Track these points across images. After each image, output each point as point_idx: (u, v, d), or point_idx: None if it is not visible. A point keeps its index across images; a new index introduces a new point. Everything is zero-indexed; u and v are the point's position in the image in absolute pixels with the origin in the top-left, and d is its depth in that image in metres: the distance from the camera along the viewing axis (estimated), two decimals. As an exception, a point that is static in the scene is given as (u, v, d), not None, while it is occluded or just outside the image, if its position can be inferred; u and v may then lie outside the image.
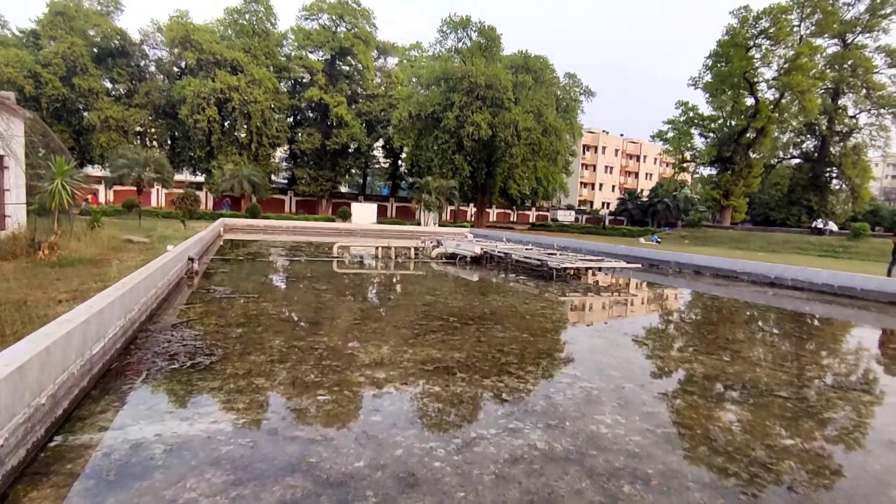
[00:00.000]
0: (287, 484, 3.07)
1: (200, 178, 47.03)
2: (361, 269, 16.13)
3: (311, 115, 50.90)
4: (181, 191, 30.23)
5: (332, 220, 40.84)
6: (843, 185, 49.34)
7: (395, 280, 13.90)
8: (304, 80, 49.31)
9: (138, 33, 44.39)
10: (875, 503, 3.24)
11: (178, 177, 44.69)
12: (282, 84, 48.37)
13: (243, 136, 43.83)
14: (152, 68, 46.34)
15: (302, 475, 3.18)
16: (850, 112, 47.25)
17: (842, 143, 48.06)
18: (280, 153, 54.90)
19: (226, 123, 43.47)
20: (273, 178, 51.33)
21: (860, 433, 4.52)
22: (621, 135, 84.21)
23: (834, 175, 49.22)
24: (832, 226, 40.90)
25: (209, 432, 3.72)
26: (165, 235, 17.33)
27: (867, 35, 43.91)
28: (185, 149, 44.12)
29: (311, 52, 48.89)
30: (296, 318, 7.94)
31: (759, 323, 10.21)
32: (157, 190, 42.46)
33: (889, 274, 16.10)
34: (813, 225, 41.97)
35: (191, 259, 11.70)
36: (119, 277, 6.92)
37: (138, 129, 43.12)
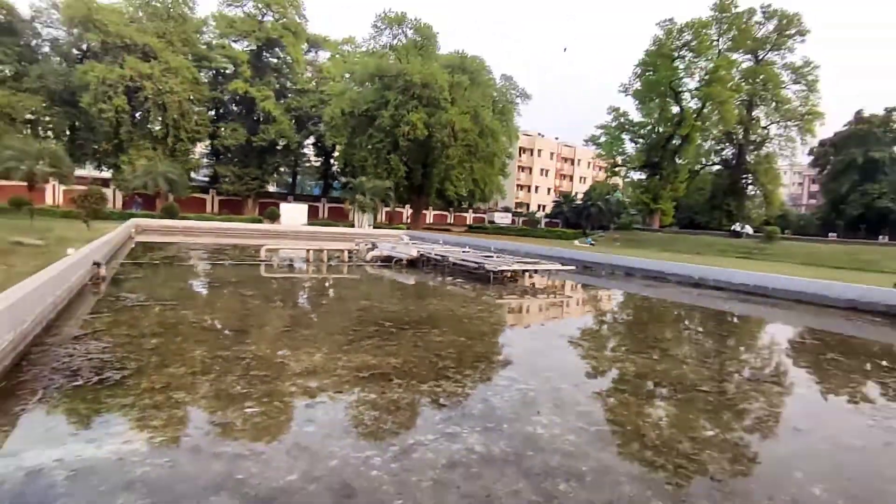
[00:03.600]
0: (211, 503, 2.94)
1: (107, 174, 43.69)
2: (291, 273, 15.68)
3: (235, 108, 48.82)
4: (83, 188, 27.91)
5: (259, 222, 39.31)
6: (758, 191, 54.24)
7: (326, 284, 13.64)
8: (228, 72, 47.23)
9: (29, 9, 40.53)
10: (783, 485, 3.60)
11: (79, 172, 41.22)
12: (202, 74, 45.98)
13: (158, 128, 41.16)
14: (46, 49, 42.43)
15: (228, 493, 3.06)
16: (763, 123, 52.04)
17: (756, 152, 52.79)
18: (201, 149, 52.11)
19: (137, 115, 40.66)
20: (193, 175, 48.71)
21: (770, 422, 4.99)
22: (556, 138, 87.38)
23: (749, 181, 53.96)
24: (748, 229, 44.71)
25: (121, 454, 3.49)
26: (65, 237, 15.96)
27: (775, 52, 48.63)
28: (88, 141, 40.81)
29: (234, 42, 46.94)
30: (220, 327, 7.60)
31: (685, 322, 10.99)
32: (54, 186, 38.96)
33: None
34: (732, 228, 45.67)
35: (97, 264, 10.86)
36: (5, 285, 6.30)
37: (29, 116, 39.25)
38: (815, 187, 77.69)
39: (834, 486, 3.62)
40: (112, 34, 38.56)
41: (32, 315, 5.84)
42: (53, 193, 40.64)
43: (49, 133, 41.29)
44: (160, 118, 40.51)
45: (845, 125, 55.33)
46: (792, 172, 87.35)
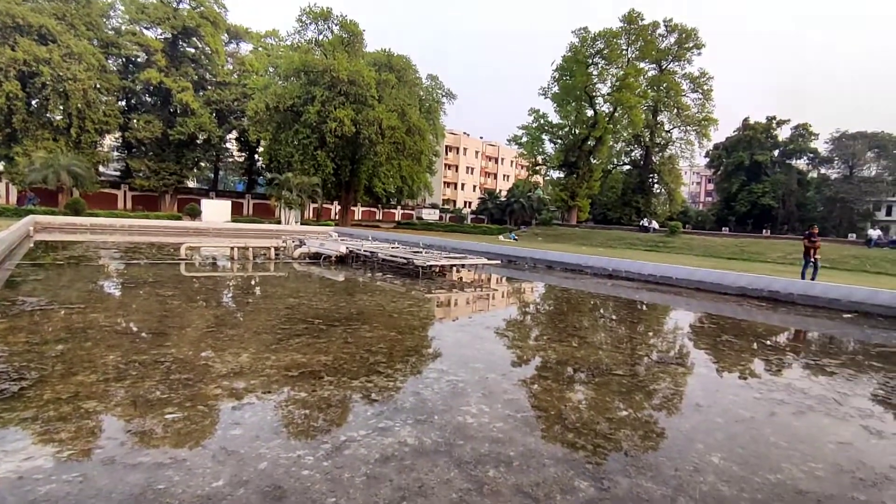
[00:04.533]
0: (129, 518, 2.73)
1: (-1, 167, 39.06)
2: (214, 271, 14.83)
3: (148, 99, 45.34)
4: (-29, 182, 24.73)
5: (179, 219, 36.82)
6: (662, 190, 58.39)
7: (253, 283, 13.04)
8: (139, 60, 43.76)
9: None
10: (687, 456, 3.91)
11: (-36, 164, 36.64)
12: (110, 62, 42.21)
13: (59, 118, 37.31)
14: (-78, 27, 37.16)
15: (148, 505, 2.85)
16: (666, 127, 56.09)
17: (661, 154, 56.78)
18: (110, 141, 47.80)
19: (33, 102, 36.61)
20: (102, 169, 44.64)
21: (675, 400, 5.40)
22: (481, 137, 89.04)
23: (655, 181, 57.97)
24: (655, 224, 47.97)
25: (21, 472, 3.14)
26: (-52, 237, 14.07)
27: (676, 63, 52.53)
28: (-26, 130, 36.28)
29: (146, 29, 43.50)
30: (136, 330, 7.03)
31: (601, 310, 11.61)
32: (-66, 180, 34.33)
33: (803, 276, 16.27)
34: (640, 223, 48.80)
35: (-13, 265, 9.68)
36: None
37: None
38: (710, 186, 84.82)
39: (729, 455, 3.98)
40: (1, 13, 34.37)
41: None
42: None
43: (-75, 120, 36.22)
44: (61, 107, 36.76)
45: (735, 131, 60.95)
46: (691, 172, 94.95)
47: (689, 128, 54.12)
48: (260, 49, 51.40)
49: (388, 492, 3.12)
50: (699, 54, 50.90)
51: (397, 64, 46.01)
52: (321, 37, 45.77)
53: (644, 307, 12.54)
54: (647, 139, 55.21)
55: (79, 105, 36.36)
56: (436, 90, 53.16)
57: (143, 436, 3.76)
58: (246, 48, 52.72)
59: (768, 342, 8.91)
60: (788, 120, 58.73)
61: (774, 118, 58.64)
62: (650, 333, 9.47)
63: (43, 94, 35.42)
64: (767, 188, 55.58)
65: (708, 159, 63.41)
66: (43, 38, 35.80)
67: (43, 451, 3.44)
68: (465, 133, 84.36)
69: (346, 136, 40.08)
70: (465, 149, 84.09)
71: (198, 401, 4.46)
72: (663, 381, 5.96)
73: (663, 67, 52.43)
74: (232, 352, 6.02)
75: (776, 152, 59.47)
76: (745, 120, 60.01)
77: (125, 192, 45.81)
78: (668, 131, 55.93)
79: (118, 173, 49.50)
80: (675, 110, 53.41)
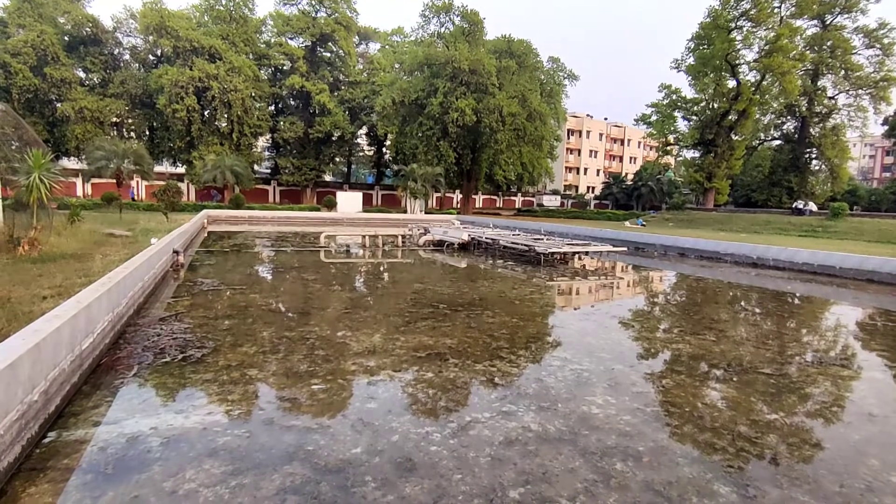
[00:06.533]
0: (286, 472, 3.11)
1: (181, 170, 46.15)
2: (349, 258, 16.08)
3: (292, 102, 50.12)
4: (162, 183, 29.72)
5: (318, 210, 40.47)
6: (823, 166, 50.25)
7: (383, 268, 13.90)
8: (285, 68, 48.46)
9: (111, 20, 43.11)
10: (856, 472, 3.38)
11: (157, 168, 43.87)
12: (262, 72, 47.43)
13: (224, 125, 42.90)
14: (127, 57, 45.07)
15: (300, 463, 3.22)
16: (829, 93, 47.89)
17: (821, 124, 48.77)
18: (262, 142, 54.00)
19: (205, 113, 42.52)
20: (255, 167, 50.60)
21: (839, 407, 4.69)
22: (605, 119, 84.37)
23: (813, 156, 50.03)
24: (812, 206, 41.67)
25: (205, 424, 3.73)
26: (148, 228, 17.06)
27: (845, 16, 44.40)
28: (164, 139, 43.20)
29: (290, 39, 48.00)
30: (285, 309, 7.92)
31: (743, 303, 10.45)
32: (137, 182, 41.61)
33: None
34: (794, 206, 42.74)
35: (176, 252, 11.56)
36: (104, 272, 6.83)
37: (114, 119, 41.99)
38: (889, 159, 71.23)
39: (911, 474, 3.36)
40: (182, 39, 40.36)
41: (126, 298, 6.30)
42: (137, 189, 43.44)
43: (132, 134, 44.03)
44: (226, 115, 42.21)
45: (925, 91, 50.00)
46: (862, 144, 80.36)
47: (861, 91, 45.53)
48: (387, 47, 54.06)
49: (511, 475, 3.16)
50: (877, 1, 42.51)
51: (517, 49, 45.32)
52: (443, 29, 46.71)
53: (796, 300, 11.02)
54: (804, 109, 47.73)
55: (238, 112, 41.61)
56: (557, 73, 51.35)
57: (293, 402, 4.25)
58: (374, 47, 55.82)
59: (969, 346, 7.30)
60: None
61: (984, 71, 47.03)
62: (804, 330, 8.30)
63: (212, 105, 41.09)
64: (972, 158, 44.98)
65: (887, 127, 53.05)
66: (212, 57, 41.43)
67: (220, 408, 4.06)
68: (587, 115, 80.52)
69: (468, 125, 40.64)
70: (587, 131, 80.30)
71: (338, 375, 4.91)
72: (822, 384, 5.21)
73: (827, 23, 44.69)
74: (366, 332, 6.51)
75: None
76: (941, 76, 48.99)
77: (274, 187, 51.54)
78: (832, 97, 47.70)
79: (268, 171, 55.87)
80: (843, 72, 45.22)
